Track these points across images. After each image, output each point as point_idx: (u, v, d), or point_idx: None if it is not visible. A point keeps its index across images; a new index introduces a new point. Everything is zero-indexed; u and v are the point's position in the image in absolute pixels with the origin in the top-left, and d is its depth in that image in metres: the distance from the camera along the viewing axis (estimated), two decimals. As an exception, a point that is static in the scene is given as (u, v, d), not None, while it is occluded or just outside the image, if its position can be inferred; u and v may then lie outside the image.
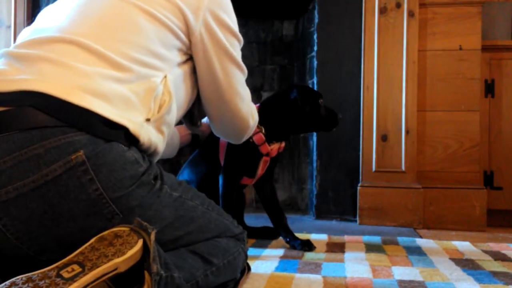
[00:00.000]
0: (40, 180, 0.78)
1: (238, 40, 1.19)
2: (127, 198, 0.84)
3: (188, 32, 1.05)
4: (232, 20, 1.15)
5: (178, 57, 1.05)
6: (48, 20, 1.00)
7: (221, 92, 1.16)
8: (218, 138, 1.58)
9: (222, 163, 1.60)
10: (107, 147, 0.83)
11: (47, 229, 0.80)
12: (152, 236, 0.77)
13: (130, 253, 0.74)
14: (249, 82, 2.78)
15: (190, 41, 1.07)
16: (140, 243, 0.76)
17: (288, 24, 2.77)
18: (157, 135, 0.97)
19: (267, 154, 1.58)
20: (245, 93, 1.23)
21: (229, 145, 1.56)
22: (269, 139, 1.57)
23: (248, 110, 1.25)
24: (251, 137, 1.53)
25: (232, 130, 1.28)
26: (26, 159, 0.78)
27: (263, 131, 1.55)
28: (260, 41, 2.76)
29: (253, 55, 2.76)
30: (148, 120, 0.92)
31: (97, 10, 0.97)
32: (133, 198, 0.84)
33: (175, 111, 1.04)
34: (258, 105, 1.60)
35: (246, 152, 1.56)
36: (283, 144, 1.63)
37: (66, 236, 0.81)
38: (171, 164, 2.60)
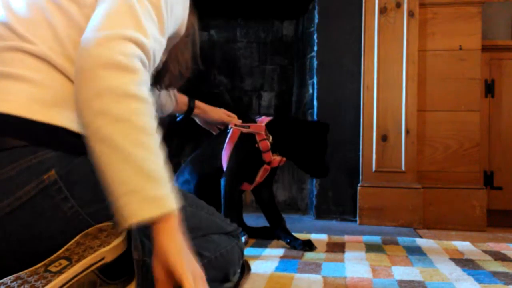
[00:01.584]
0: (14, 203, 0.77)
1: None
2: (105, 210, 0.81)
3: None
4: None
5: None
6: None
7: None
8: (222, 141, 1.59)
9: (224, 166, 1.60)
10: (79, 161, 0.80)
11: (27, 248, 0.79)
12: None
13: (115, 242, 0.75)
14: (249, 82, 2.80)
15: None
16: (124, 233, 0.77)
17: (288, 24, 2.77)
18: None
19: (269, 163, 1.59)
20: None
21: (234, 148, 1.58)
22: (274, 149, 1.58)
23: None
24: (257, 142, 1.56)
25: None
26: None
27: (271, 139, 1.57)
28: (260, 41, 2.76)
29: (253, 55, 2.76)
30: None
31: (33, 12, 0.87)
32: (111, 208, 0.82)
33: None
34: (270, 118, 1.63)
35: (250, 157, 1.57)
36: (284, 158, 1.64)
37: (48, 253, 0.79)
38: (172, 164, 2.59)
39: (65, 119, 0.80)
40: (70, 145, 0.80)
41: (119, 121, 0.72)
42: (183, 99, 1.60)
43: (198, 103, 1.65)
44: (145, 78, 0.77)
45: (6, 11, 0.88)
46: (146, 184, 0.72)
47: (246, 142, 1.58)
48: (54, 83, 0.82)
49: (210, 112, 1.68)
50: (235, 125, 1.61)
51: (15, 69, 0.82)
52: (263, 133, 1.57)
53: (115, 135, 0.71)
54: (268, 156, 1.57)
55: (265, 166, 1.59)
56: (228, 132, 1.61)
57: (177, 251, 0.73)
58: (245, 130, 1.59)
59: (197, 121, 1.72)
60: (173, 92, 1.25)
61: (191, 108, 1.63)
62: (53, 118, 0.79)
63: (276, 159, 1.60)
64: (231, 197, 1.58)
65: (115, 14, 0.78)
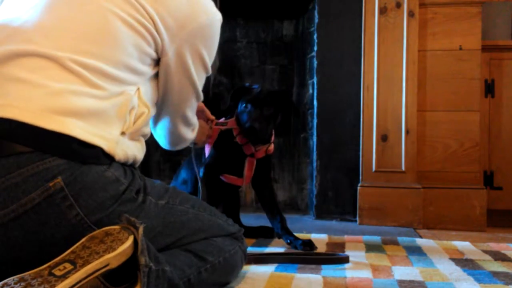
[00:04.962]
0: (19, 209, 0.77)
1: (206, 73, 1.14)
2: (109, 217, 0.83)
3: (162, 50, 1.01)
4: (209, 54, 1.11)
5: (151, 69, 1.01)
6: (10, 25, 0.90)
7: (168, 108, 1.13)
8: None
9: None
10: (85, 170, 0.82)
11: (31, 255, 0.80)
12: (140, 230, 0.77)
13: (121, 249, 0.75)
14: (249, 82, 2.80)
15: (159, 57, 1.03)
16: (131, 239, 0.76)
17: (288, 24, 2.77)
18: (133, 145, 0.95)
19: (252, 155, 1.60)
20: (192, 118, 1.21)
21: (216, 142, 1.61)
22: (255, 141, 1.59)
23: (188, 138, 1.25)
24: (235, 137, 1.58)
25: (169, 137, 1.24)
26: (4, 188, 0.77)
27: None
28: (260, 41, 2.76)
29: (253, 55, 2.76)
30: (123, 133, 0.91)
31: (70, 16, 0.90)
32: (115, 217, 0.84)
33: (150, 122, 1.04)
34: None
35: (229, 150, 1.60)
36: (271, 147, 1.65)
37: (51, 259, 0.80)
38: (172, 163, 2.60)
39: (76, 128, 0.81)
40: (77, 154, 0.81)
41: None
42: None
43: None
44: None
45: (48, 8, 0.90)
46: None
47: (224, 137, 1.61)
48: (70, 93, 0.83)
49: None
50: (216, 124, 1.63)
51: (33, 75, 0.83)
52: (236, 126, 1.59)
53: None
54: (248, 148, 1.59)
55: (249, 158, 1.61)
56: None
57: None
58: (223, 128, 1.61)
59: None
60: None
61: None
62: (63, 126, 0.80)
63: (261, 150, 1.61)
64: (205, 188, 1.59)
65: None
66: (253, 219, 2.13)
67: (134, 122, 0.94)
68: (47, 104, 0.81)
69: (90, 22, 0.90)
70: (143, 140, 1.00)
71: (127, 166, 0.93)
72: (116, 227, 0.79)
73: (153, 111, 1.05)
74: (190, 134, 1.25)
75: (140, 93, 0.96)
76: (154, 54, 0.99)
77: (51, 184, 0.78)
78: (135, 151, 0.95)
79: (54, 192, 0.78)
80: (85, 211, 0.81)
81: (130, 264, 0.77)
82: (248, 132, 1.52)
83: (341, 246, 1.66)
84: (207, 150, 1.63)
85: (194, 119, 1.23)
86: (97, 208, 0.82)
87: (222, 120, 1.65)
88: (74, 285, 0.70)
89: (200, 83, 1.13)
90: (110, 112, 0.88)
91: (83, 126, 0.82)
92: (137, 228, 0.78)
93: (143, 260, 0.75)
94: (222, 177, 1.64)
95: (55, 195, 0.79)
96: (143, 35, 0.94)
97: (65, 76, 0.84)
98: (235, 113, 1.61)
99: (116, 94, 0.89)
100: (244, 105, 1.55)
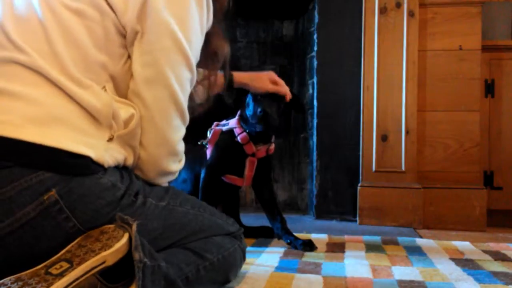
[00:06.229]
0: (15, 224, 0.76)
1: (186, 64, 0.95)
2: (108, 224, 0.82)
3: (121, 23, 0.90)
4: (181, 27, 0.92)
5: (118, 60, 0.92)
6: None
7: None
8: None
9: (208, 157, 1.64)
10: (79, 179, 0.80)
11: (29, 266, 0.78)
12: (134, 227, 0.77)
13: (117, 245, 0.75)
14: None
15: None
16: (126, 236, 0.77)
17: (288, 24, 2.77)
18: (124, 152, 0.90)
19: (253, 155, 1.60)
20: (178, 143, 1.00)
21: (217, 142, 1.62)
22: (255, 140, 1.59)
23: (172, 170, 1.01)
24: (236, 137, 1.58)
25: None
26: None
27: (248, 131, 1.58)
28: (260, 41, 2.76)
29: (253, 55, 2.76)
30: (111, 138, 0.86)
31: (27, 16, 0.86)
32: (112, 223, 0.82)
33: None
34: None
35: (231, 150, 1.60)
36: (272, 146, 1.65)
37: None
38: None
39: (62, 139, 0.79)
40: (68, 165, 0.80)
41: None
42: (220, 79, 1.38)
43: (236, 77, 1.51)
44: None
45: (4, 9, 0.87)
46: None
47: (225, 137, 1.62)
48: (49, 99, 0.81)
49: (252, 85, 1.53)
50: (217, 125, 1.65)
51: (10, 84, 0.81)
52: (239, 126, 1.59)
53: None
54: (250, 148, 1.59)
55: (250, 158, 1.60)
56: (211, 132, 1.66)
57: None
58: (224, 128, 1.62)
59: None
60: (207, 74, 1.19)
61: (229, 86, 1.48)
62: (49, 138, 0.78)
63: (262, 149, 1.61)
64: (208, 187, 1.60)
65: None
66: (253, 219, 2.13)
67: (126, 125, 0.89)
68: (28, 114, 0.79)
69: (42, 19, 0.86)
70: (136, 147, 0.94)
71: (123, 169, 0.91)
72: (111, 225, 0.79)
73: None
74: (175, 166, 1.02)
75: (110, 90, 0.89)
76: (116, 37, 0.90)
77: (45, 197, 0.77)
78: (127, 156, 0.92)
79: (49, 205, 0.77)
80: (82, 221, 0.80)
81: (127, 262, 0.77)
82: (260, 119, 1.47)
83: (341, 246, 1.66)
84: (209, 151, 1.64)
85: (180, 146, 1.01)
86: (94, 216, 0.81)
87: (223, 122, 1.66)
88: (72, 282, 0.70)
89: (177, 76, 0.93)
90: (92, 115, 0.84)
91: (69, 134, 0.80)
92: (130, 226, 0.78)
93: (137, 255, 0.75)
94: (223, 178, 1.64)
95: (50, 208, 0.77)
96: (93, 19, 0.87)
97: (41, 82, 0.82)
98: (241, 110, 1.61)
99: (93, 93, 0.85)
100: (258, 97, 1.53)
